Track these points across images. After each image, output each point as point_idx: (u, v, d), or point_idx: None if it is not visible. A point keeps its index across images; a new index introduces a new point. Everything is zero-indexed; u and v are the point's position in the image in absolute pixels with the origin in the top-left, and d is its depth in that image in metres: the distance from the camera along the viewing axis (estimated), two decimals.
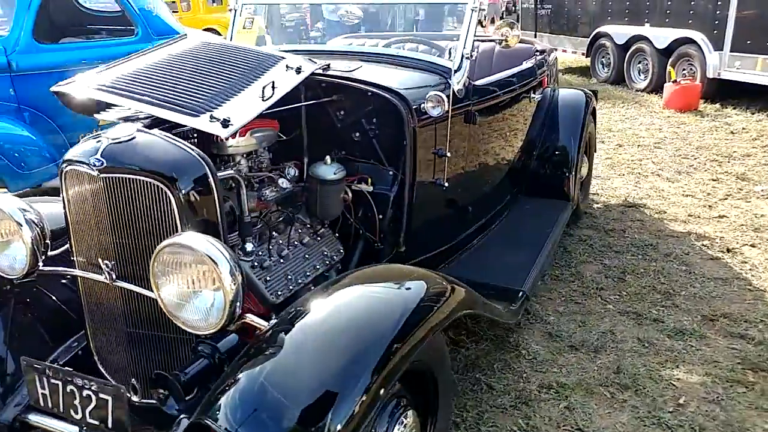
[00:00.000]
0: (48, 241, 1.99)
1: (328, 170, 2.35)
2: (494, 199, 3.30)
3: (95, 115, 2.04)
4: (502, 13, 19.76)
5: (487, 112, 2.91)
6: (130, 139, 1.80)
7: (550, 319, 3.04)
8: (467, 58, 2.64)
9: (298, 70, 2.45)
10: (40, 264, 1.98)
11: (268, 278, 2.17)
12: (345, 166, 2.54)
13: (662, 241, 3.93)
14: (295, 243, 2.37)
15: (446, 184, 2.63)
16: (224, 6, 15.02)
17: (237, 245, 2.15)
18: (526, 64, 3.35)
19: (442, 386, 1.97)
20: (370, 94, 2.43)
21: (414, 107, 2.44)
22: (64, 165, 1.85)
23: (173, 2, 14.61)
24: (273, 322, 1.68)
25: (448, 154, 2.59)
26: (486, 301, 2.36)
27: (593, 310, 3.13)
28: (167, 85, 2.09)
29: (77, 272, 1.95)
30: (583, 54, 10.31)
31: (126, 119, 2.02)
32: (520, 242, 3.27)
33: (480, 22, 2.82)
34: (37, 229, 1.94)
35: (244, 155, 2.27)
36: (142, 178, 1.74)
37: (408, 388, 1.86)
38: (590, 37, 9.99)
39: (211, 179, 1.81)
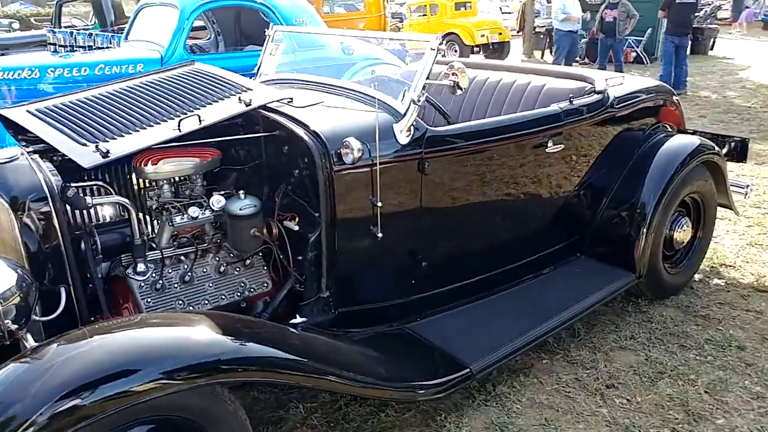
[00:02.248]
0: None
1: (236, 205, 2.38)
2: (492, 256, 2.90)
3: (18, 137, 2.38)
4: None
5: (462, 162, 2.59)
6: (6, 162, 2.09)
7: (515, 407, 2.60)
8: (415, 102, 2.39)
9: (248, 104, 2.52)
10: None
11: (150, 300, 2.30)
12: (288, 203, 2.55)
13: (762, 347, 3.02)
14: (205, 269, 2.46)
15: (380, 235, 2.43)
16: (472, 11, 15.27)
17: (130, 264, 2.33)
18: (552, 108, 2.84)
19: None
20: (294, 133, 2.38)
21: (339, 151, 2.32)
22: None
23: (423, 5, 15.36)
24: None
25: (379, 204, 2.39)
26: (364, 378, 2.15)
27: (577, 410, 2.59)
28: (89, 114, 2.35)
29: None
30: None
31: None
32: (525, 311, 2.85)
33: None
34: None
35: (167, 181, 2.42)
36: None
37: None
38: None
39: (51, 205, 2.00)
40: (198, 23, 6.74)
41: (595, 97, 2.98)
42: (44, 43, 5.82)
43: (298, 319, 2.45)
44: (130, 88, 2.61)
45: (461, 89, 2.36)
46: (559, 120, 2.80)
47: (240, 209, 2.37)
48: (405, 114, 2.41)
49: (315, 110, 2.55)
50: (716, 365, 2.87)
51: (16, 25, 19.80)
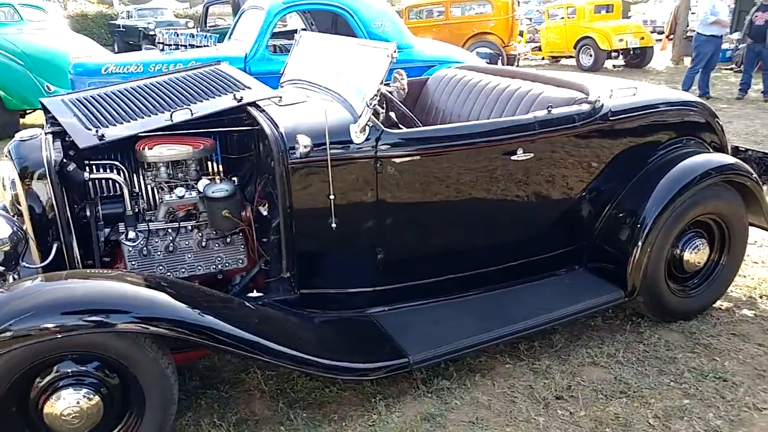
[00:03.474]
0: None
1: (209, 189, 2.73)
2: (463, 258, 2.97)
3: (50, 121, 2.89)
4: None
5: (420, 164, 2.72)
6: (28, 139, 2.61)
7: (453, 402, 2.70)
8: (368, 106, 2.57)
9: (239, 101, 2.88)
10: None
11: (135, 263, 2.73)
12: (265, 190, 2.87)
13: (751, 382, 2.81)
14: (188, 242, 2.84)
15: (334, 225, 2.67)
16: (614, 14, 14.62)
17: (124, 233, 2.77)
18: (527, 116, 2.85)
19: (148, 393, 2.24)
20: (263, 128, 2.68)
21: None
22: None
23: (562, 8, 14.93)
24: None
25: (332, 196, 2.63)
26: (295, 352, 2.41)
27: (513, 414, 2.62)
28: (105, 105, 2.82)
29: None
30: None
31: None
32: (490, 314, 2.92)
33: None
34: None
35: (163, 164, 2.83)
36: (13, 167, 2.55)
37: (120, 384, 2.26)
38: None
39: (48, 176, 2.48)
40: (300, 26, 7.30)
41: (582, 108, 2.94)
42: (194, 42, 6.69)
43: (255, 294, 2.76)
44: (151, 84, 3.06)
45: (405, 91, 2.52)
46: (532, 129, 2.83)
47: (212, 192, 2.72)
48: (360, 116, 2.61)
49: (292, 108, 2.83)
50: (687, 393, 2.73)
51: (190, 24, 22.14)
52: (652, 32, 18.25)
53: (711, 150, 3.41)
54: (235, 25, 6.45)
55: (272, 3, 5.66)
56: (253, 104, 2.88)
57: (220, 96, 2.95)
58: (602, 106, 3.00)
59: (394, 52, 2.58)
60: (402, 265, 2.89)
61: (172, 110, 2.78)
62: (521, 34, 16.95)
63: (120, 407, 2.27)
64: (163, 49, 5.84)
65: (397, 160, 2.69)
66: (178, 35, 5.93)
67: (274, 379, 2.86)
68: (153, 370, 2.23)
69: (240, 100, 2.88)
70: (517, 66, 12.96)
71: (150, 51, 6.19)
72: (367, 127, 2.62)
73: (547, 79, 3.33)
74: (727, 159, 3.26)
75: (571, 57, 15.09)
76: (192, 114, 2.78)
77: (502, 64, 11.15)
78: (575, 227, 3.21)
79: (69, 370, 2.19)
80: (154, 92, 2.96)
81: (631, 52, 14.43)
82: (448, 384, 2.80)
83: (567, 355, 3.03)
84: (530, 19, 21.31)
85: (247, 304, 2.64)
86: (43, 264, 2.50)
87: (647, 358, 3.00)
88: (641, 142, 3.19)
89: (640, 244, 3.03)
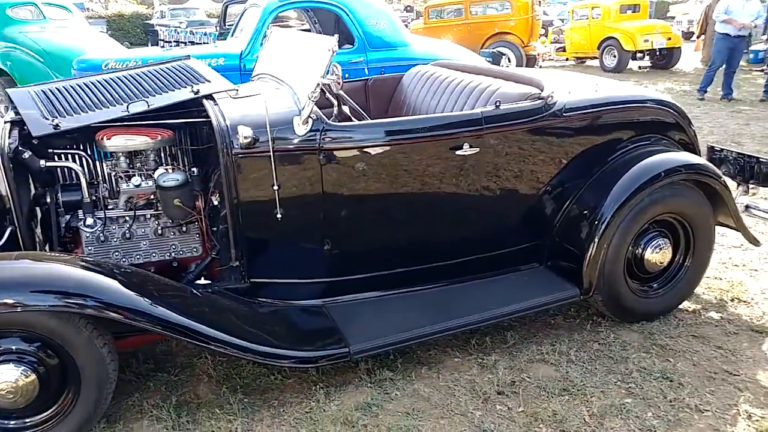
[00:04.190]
0: None
1: (162, 178, 2.81)
2: (414, 252, 2.99)
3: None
4: None
5: (365, 157, 2.74)
6: None
7: (393, 393, 2.72)
8: (309, 98, 2.62)
9: (195, 93, 2.96)
10: None
11: (92, 249, 2.84)
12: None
13: (698, 383, 2.76)
14: (145, 230, 2.93)
15: (279, 216, 2.73)
16: (641, 14, 14.37)
17: (83, 219, 2.87)
18: (474, 111, 2.85)
19: (84, 371, 2.33)
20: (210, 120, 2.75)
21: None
22: None
23: (586, 8, 14.74)
24: None
25: (276, 187, 2.69)
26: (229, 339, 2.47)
27: (450, 407, 2.63)
28: (68, 97, 2.92)
29: None
30: None
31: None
32: (439, 308, 2.93)
33: None
34: None
35: (122, 154, 2.92)
36: None
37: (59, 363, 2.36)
38: None
39: (0, 163, 2.59)
40: (306, 26, 7.39)
41: (533, 104, 2.93)
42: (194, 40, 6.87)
43: (203, 281, 2.83)
44: (116, 77, 3.16)
45: (340, 84, 2.56)
46: (478, 124, 2.83)
47: (164, 181, 2.80)
48: (303, 108, 2.66)
49: (244, 101, 2.90)
50: (630, 392, 2.71)
51: None
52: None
53: (680, 149, 3.36)
54: (237, 23, 6.58)
55: (269, 1, 5.77)
56: (210, 97, 2.95)
57: (179, 89, 3.03)
58: (555, 102, 2.98)
59: (335, 46, 2.62)
60: (351, 257, 2.93)
61: (129, 102, 2.87)
62: (546, 34, 16.79)
63: (58, 385, 2.36)
64: (163, 46, 5.99)
65: (342, 153, 2.73)
66: (178, 32, 6.08)
67: (223, 365, 2.93)
68: (89, 349, 2.32)
69: (197, 93, 2.96)
70: (539, 68, 12.85)
71: (150, 48, 6.36)
72: (310, 119, 2.67)
73: (508, 75, 3.32)
74: (690, 158, 3.20)
75: (595, 58, 14.85)
76: (149, 106, 2.87)
77: (517, 65, 11.07)
78: (532, 224, 3.19)
79: (13, 347, 2.29)
80: (117, 85, 3.06)
81: (658, 53, 14.13)
82: (392, 375, 2.83)
83: (518, 352, 3.03)
84: (562, 20, 21.03)
85: (195, 291, 2.71)
86: None
87: (599, 357, 2.97)
88: (601, 139, 3.16)
89: (596, 240, 3.00)
